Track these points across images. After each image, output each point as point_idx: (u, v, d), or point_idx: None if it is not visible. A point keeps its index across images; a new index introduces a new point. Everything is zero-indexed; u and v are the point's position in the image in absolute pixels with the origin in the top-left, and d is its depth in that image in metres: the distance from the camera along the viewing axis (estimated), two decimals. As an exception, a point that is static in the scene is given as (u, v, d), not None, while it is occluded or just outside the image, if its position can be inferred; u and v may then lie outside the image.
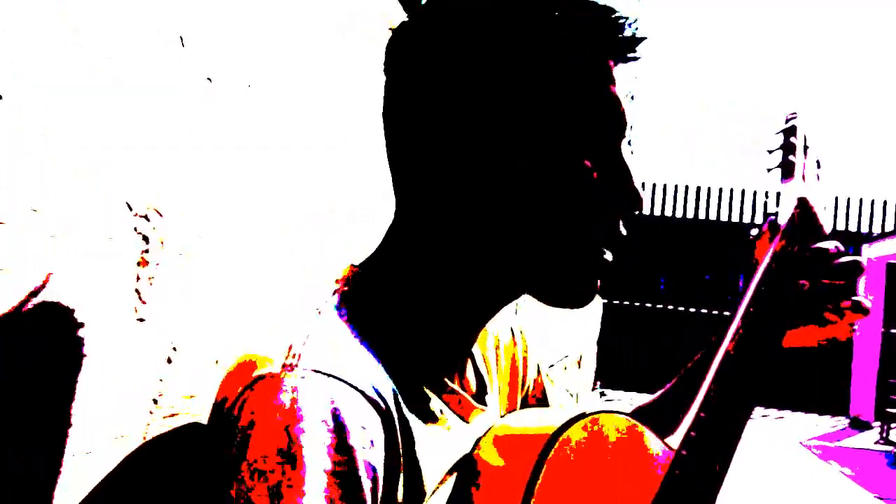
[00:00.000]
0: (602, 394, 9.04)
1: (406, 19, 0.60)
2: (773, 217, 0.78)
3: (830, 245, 0.72)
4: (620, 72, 0.59)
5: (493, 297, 0.62)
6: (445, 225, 0.59)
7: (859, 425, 10.23)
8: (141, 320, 0.67)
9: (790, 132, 0.85)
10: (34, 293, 0.54)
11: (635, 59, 0.60)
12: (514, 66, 0.56)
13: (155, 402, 0.69)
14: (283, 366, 0.50)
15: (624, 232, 0.61)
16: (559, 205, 0.57)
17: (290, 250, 0.98)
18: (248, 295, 0.86)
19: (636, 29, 0.59)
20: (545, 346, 3.89)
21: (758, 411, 10.85)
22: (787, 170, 0.81)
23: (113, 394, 0.63)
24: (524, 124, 0.56)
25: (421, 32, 0.59)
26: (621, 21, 0.58)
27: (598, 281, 0.60)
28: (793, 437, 8.81)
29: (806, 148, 0.85)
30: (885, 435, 8.93)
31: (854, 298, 0.70)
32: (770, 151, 0.84)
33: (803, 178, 0.81)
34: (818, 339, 0.73)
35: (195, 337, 0.75)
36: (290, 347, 0.51)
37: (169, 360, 0.71)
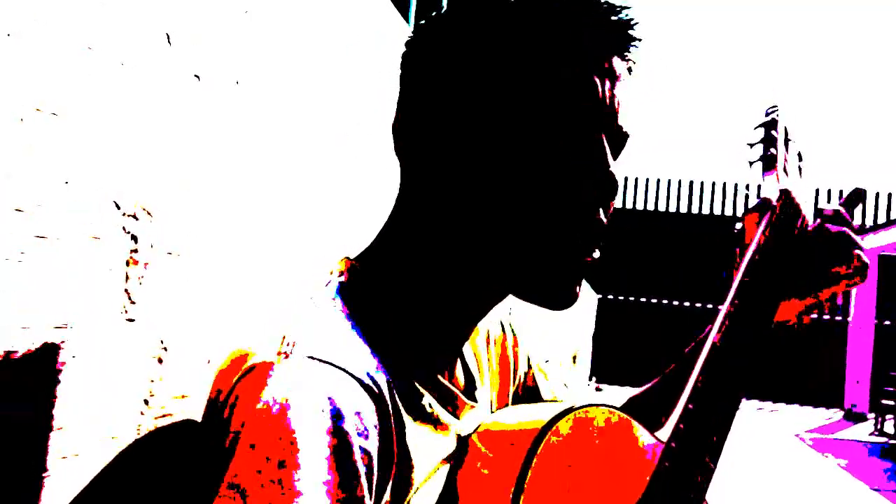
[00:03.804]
0: (598, 389, 9.05)
1: (427, 20, 0.62)
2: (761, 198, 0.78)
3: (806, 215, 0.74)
4: (625, 77, 0.60)
5: (487, 296, 0.63)
6: (448, 223, 0.60)
7: (854, 417, 10.29)
8: (131, 320, 0.66)
9: (771, 125, 0.84)
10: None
11: (633, 61, 0.61)
12: (522, 73, 0.57)
13: (146, 402, 0.69)
14: (278, 353, 0.50)
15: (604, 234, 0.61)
16: (559, 207, 0.57)
17: (282, 249, 0.98)
18: (238, 294, 0.86)
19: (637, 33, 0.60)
20: (541, 341, 3.90)
21: (754, 404, 10.91)
22: (769, 163, 0.81)
23: (103, 394, 0.63)
24: (530, 128, 0.57)
25: (439, 35, 0.60)
26: (627, 20, 0.59)
27: (582, 282, 0.61)
28: (788, 429, 8.85)
29: (787, 141, 0.85)
30: (879, 427, 8.98)
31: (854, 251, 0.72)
32: (751, 145, 0.84)
33: (785, 171, 0.81)
34: (801, 310, 0.76)
35: (186, 337, 0.75)
36: (285, 336, 0.52)
37: (160, 361, 0.71)
